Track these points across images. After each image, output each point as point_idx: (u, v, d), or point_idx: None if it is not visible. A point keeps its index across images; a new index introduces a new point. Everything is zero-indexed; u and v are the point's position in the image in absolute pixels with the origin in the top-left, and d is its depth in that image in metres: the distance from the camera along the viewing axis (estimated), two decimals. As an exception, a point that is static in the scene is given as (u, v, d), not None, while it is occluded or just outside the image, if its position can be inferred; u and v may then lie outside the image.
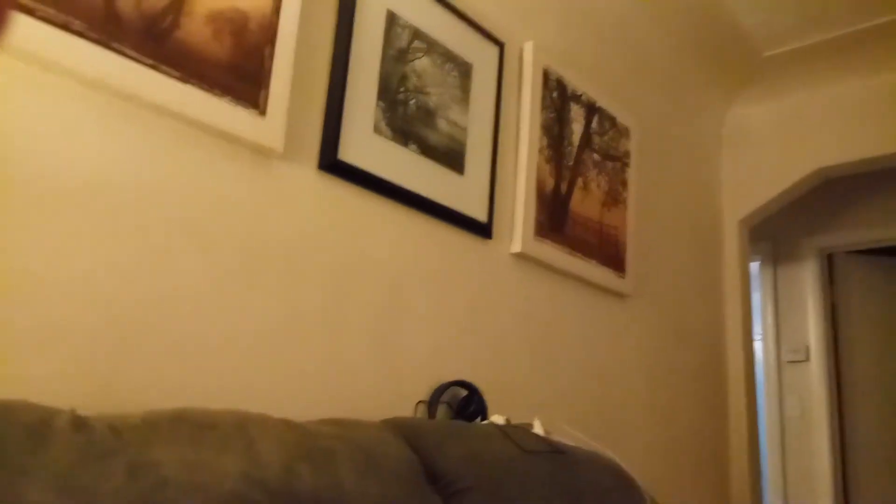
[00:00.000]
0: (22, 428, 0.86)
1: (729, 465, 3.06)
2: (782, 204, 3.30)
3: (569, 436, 2.03)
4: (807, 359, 4.01)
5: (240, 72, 1.34)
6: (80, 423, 0.92)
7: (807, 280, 4.10)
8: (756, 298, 4.21)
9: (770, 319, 4.18)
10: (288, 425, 1.14)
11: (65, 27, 1.10)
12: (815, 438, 3.89)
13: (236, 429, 1.05)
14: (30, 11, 1.07)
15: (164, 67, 1.22)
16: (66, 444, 0.87)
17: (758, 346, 4.12)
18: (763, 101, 3.27)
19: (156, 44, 1.22)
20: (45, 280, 1.08)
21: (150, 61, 1.21)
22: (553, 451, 1.49)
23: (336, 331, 1.51)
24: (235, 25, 1.34)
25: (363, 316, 1.57)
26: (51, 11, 1.09)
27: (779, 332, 4.14)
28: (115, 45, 1.16)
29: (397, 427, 1.36)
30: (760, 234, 4.25)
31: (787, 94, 3.21)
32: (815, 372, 3.96)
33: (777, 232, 4.24)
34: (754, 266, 4.29)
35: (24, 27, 1.06)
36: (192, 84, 1.26)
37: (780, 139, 3.21)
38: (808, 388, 3.98)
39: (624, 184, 2.50)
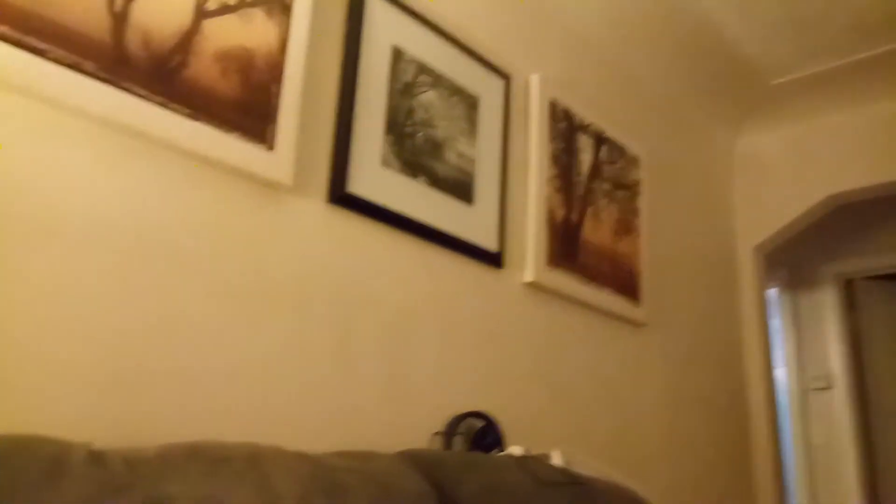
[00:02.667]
0: (39, 462, 0.85)
1: (755, 496, 2.99)
2: (796, 230, 3.28)
3: (588, 467, 1.99)
4: (830, 386, 3.94)
5: (248, 108, 1.36)
6: (95, 458, 0.91)
7: (826, 306, 4.05)
8: (776, 325, 4.16)
9: (791, 347, 4.12)
10: (302, 458, 1.12)
11: (76, 67, 1.13)
12: (842, 466, 3.80)
13: (250, 462, 1.04)
14: (41, 53, 1.09)
15: (173, 105, 1.25)
16: (83, 478, 0.87)
17: (780, 373, 4.06)
18: (773, 129, 3.28)
19: (165, 82, 1.24)
20: (57, 316, 1.09)
21: (160, 99, 1.23)
22: (572, 483, 1.46)
23: (348, 362, 1.50)
24: (243, 63, 1.36)
25: (375, 347, 1.56)
26: (61, 52, 1.12)
27: (801, 360, 4.08)
28: (125, 84, 1.19)
29: (413, 459, 1.34)
30: (777, 260, 4.22)
31: (796, 122, 3.21)
32: (840, 399, 3.89)
33: (794, 258, 4.21)
34: (773, 293, 4.25)
35: (36, 67, 1.08)
36: (202, 121, 1.28)
37: (791, 166, 3.20)
38: (833, 416, 3.90)
39: (635, 212, 2.50)
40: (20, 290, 1.06)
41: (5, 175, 1.06)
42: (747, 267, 3.22)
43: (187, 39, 1.28)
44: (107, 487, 0.87)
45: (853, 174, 3.02)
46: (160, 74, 1.24)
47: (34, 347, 1.06)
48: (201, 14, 1.31)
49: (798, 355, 4.09)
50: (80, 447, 0.92)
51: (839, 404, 3.88)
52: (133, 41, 1.21)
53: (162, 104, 1.23)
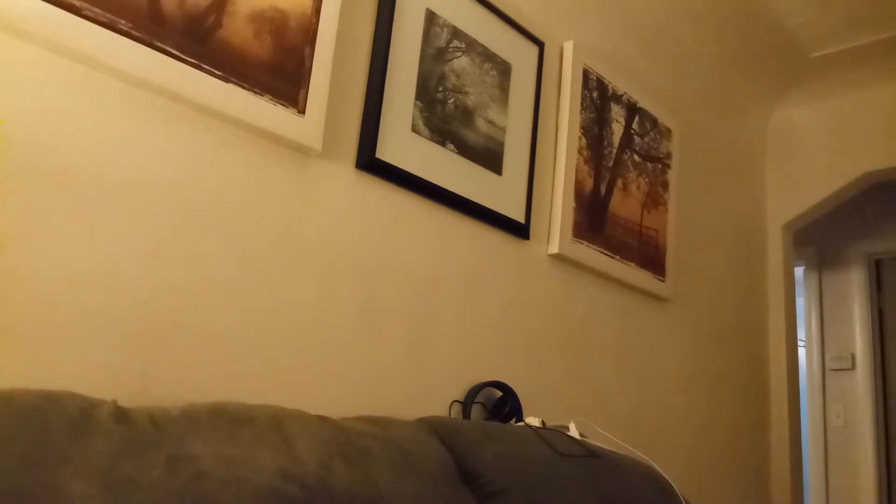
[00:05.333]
0: (66, 418, 0.87)
1: (770, 474, 2.99)
2: (828, 209, 3.22)
3: (605, 440, 2.01)
4: (852, 367, 3.91)
5: (280, 71, 1.35)
6: (121, 415, 0.93)
7: (853, 286, 4.00)
8: (800, 304, 4.12)
9: (814, 326, 4.08)
10: (324, 422, 1.14)
11: (110, 26, 1.12)
12: (859, 449, 3.79)
13: (273, 424, 1.06)
14: (76, 10, 1.09)
15: (206, 66, 1.24)
16: (109, 435, 0.89)
17: (801, 353, 4.03)
18: (809, 104, 3.20)
19: (198, 43, 1.23)
20: (85, 274, 1.10)
21: (193, 60, 1.22)
22: (589, 455, 1.47)
23: (372, 328, 1.51)
24: (276, 25, 1.35)
25: (399, 314, 1.57)
26: (97, 10, 1.11)
27: (823, 340, 4.04)
28: (159, 44, 1.18)
29: (432, 426, 1.36)
30: (805, 238, 4.16)
31: (833, 97, 3.13)
32: (861, 380, 3.86)
33: (822, 237, 4.15)
34: (798, 271, 4.20)
35: (71, 26, 1.08)
36: (233, 83, 1.28)
37: (827, 143, 3.14)
38: (854, 397, 3.88)
39: (665, 186, 2.47)
40: (51, 248, 1.07)
41: (38, 132, 1.07)
42: (776, 245, 3.18)
43: (221, -1, 1.27)
44: (132, 444, 0.89)
45: (891, 152, 2.95)
46: (194, 35, 1.23)
47: (63, 304, 1.07)
48: (236, -27, 1.30)
49: (821, 335, 4.05)
50: (106, 404, 0.94)
51: (861, 386, 3.85)
52: (168, 0, 1.20)
53: (195, 65, 1.23)
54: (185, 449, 0.93)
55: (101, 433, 0.88)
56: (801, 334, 4.13)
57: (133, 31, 1.15)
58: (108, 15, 1.12)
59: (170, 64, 1.19)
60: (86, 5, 1.10)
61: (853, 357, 3.92)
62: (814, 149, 3.16)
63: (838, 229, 4.11)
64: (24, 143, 1.05)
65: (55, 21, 1.06)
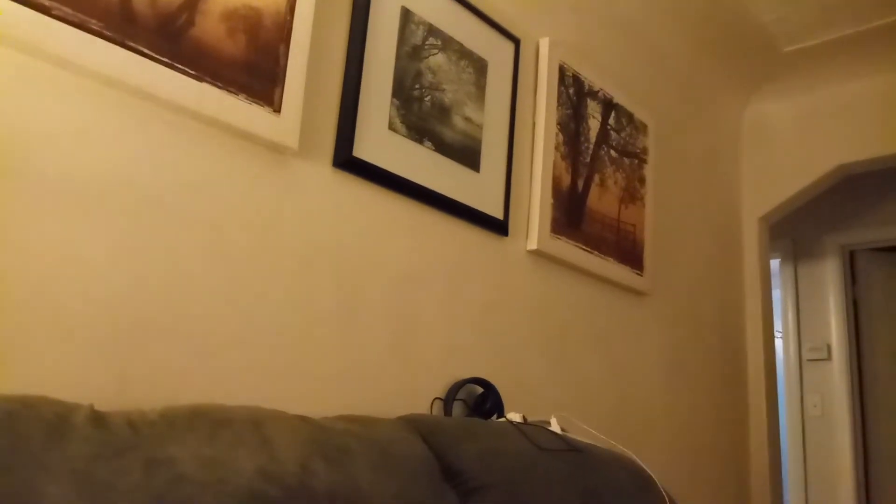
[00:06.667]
0: (42, 423, 0.86)
1: (749, 465, 3.03)
2: (803, 201, 3.26)
3: (586, 434, 2.02)
4: (828, 357, 3.97)
5: (255, 70, 1.34)
6: (98, 419, 0.92)
7: (828, 277, 4.05)
8: (776, 296, 4.17)
9: (791, 317, 4.14)
10: (303, 422, 1.14)
11: (81, 26, 1.11)
12: (836, 438, 3.84)
13: (252, 425, 1.05)
14: (46, 10, 1.07)
15: (179, 65, 1.23)
16: (85, 439, 0.88)
17: (778, 344, 4.08)
18: (783, 98, 3.24)
19: (171, 42, 1.22)
20: (60, 277, 1.09)
21: (166, 59, 1.21)
22: (570, 450, 1.48)
23: (351, 327, 1.51)
24: (250, 23, 1.34)
25: (378, 313, 1.57)
26: (67, 10, 1.10)
27: (800, 331, 4.10)
28: (131, 43, 1.17)
29: (413, 424, 1.36)
30: (780, 231, 4.21)
31: (807, 91, 3.17)
32: (837, 370, 3.92)
33: (797, 229, 4.20)
34: (774, 264, 4.25)
35: (41, 25, 1.06)
36: (207, 82, 1.27)
37: (801, 136, 3.17)
38: (830, 387, 3.93)
39: (642, 181, 2.48)
40: (23, 249, 1.05)
41: (8, 133, 1.05)
42: (752, 238, 3.22)
43: (194, -2, 1.26)
44: (109, 448, 0.89)
45: (864, 144, 3.00)
46: (166, 33, 1.22)
47: (36, 307, 1.06)
48: (208, -28, 1.29)
49: (797, 326, 4.10)
50: (83, 408, 0.93)
51: (837, 376, 3.91)
52: (139, -1, 1.19)
53: (168, 64, 1.21)
54: (163, 452, 0.92)
55: (78, 438, 0.88)
56: (777, 325, 4.18)
57: (104, 31, 1.14)
58: (79, 14, 1.11)
59: (142, 63, 1.18)
60: (56, 5, 1.08)
61: (829, 347, 3.98)
62: (788, 142, 3.20)
63: (813, 221, 4.16)
64: (-7, 145, 1.04)
65: (25, 21, 1.05)
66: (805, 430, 3.97)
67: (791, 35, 2.85)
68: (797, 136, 3.18)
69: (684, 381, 2.67)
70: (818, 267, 4.11)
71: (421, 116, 1.69)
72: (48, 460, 0.82)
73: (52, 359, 1.07)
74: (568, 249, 2.10)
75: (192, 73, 1.25)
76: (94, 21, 1.13)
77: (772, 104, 3.28)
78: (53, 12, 1.08)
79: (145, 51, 1.19)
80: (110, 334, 1.13)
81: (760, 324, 3.13)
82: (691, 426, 2.67)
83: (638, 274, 2.40)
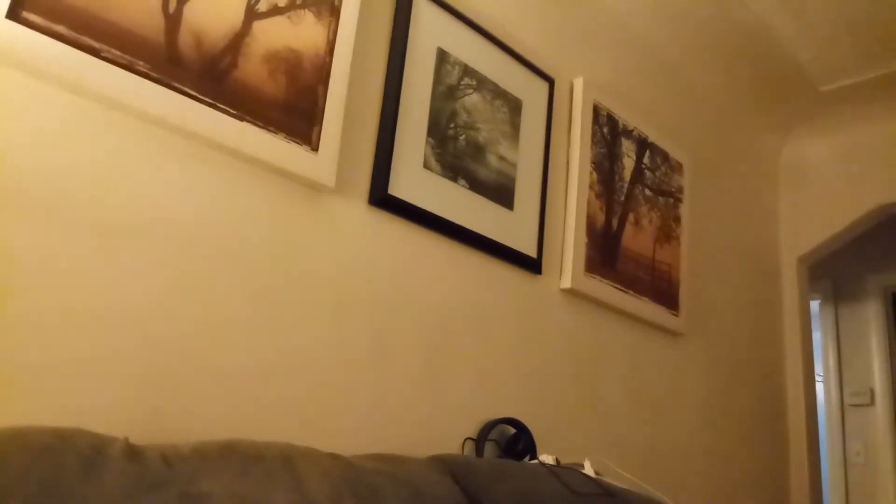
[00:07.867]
0: (77, 456, 0.87)
1: (790, 513, 2.93)
2: (842, 241, 3.20)
3: (620, 478, 1.98)
4: (871, 402, 3.85)
5: (294, 110, 1.37)
6: (132, 453, 0.93)
7: (870, 319, 3.96)
8: (816, 339, 4.08)
9: (832, 361, 4.03)
10: (334, 460, 1.13)
11: (128, 67, 1.15)
12: (880, 487, 3.71)
13: (284, 462, 1.06)
14: (95, 52, 1.11)
15: (221, 106, 1.26)
16: (120, 473, 0.89)
17: (818, 388, 3.97)
18: (821, 137, 3.20)
19: (215, 83, 1.26)
20: (99, 311, 1.11)
21: (209, 100, 1.24)
22: (604, 494, 1.45)
23: (383, 365, 1.51)
24: (290, 65, 1.37)
25: (411, 350, 1.57)
26: (116, 52, 1.14)
27: (841, 374, 3.99)
28: (176, 84, 1.21)
29: (445, 464, 1.35)
30: (820, 272, 4.13)
31: (845, 130, 3.13)
32: (881, 416, 3.80)
33: (837, 270, 4.12)
34: (814, 305, 4.16)
35: (91, 67, 1.10)
36: (248, 122, 1.30)
37: (840, 175, 3.13)
38: (873, 434, 3.81)
39: (677, 220, 2.46)
40: (63, 285, 1.08)
41: (59, 172, 1.09)
42: (790, 278, 3.16)
43: (238, 41, 1.30)
44: (144, 482, 0.89)
45: (904, 184, 2.95)
46: (210, 75, 1.25)
47: (75, 340, 1.08)
48: (252, 15, 1.33)
49: (838, 369, 4.00)
50: (118, 442, 0.94)
51: (881, 421, 3.79)
52: (185, 42, 1.23)
53: (211, 105, 1.25)
54: (197, 486, 0.92)
55: (113, 471, 0.88)
56: (818, 369, 4.08)
57: (151, 73, 1.17)
58: (127, 56, 1.15)
59: (186, 103, 1.21)
60: (105, 47, 1.12)
61: (872, 392, 3.86)
62: (827, 182, 3.15)
63: (853, 262, 4.08)
64: (41, 182, 1.07)
65: (76, 63, 1.09)
66: (847, 478, 3.84)
67: (828, 75, 2.83)
68: (836, 176, 3.14)
69: (721, 424, 2.61)
70: (860, 308, 4.01)
71: (456, 155, 1.71)
72: (85, 493, 0.83)
73: (88, 392, 1.08)
74: (602, 288, 2.08)
75: (234, 112, 1.28)
76: (141, 63, 1.16)
77: (809, 143, 3.24)
78: (103, 54, 1.12)
79: (190, 91, 1.22)
80: (146, 369, 1.15)
81: (801, 367, 3.06)
82: (728, 472, 2.60)
83: (673, 314, 2.37)
